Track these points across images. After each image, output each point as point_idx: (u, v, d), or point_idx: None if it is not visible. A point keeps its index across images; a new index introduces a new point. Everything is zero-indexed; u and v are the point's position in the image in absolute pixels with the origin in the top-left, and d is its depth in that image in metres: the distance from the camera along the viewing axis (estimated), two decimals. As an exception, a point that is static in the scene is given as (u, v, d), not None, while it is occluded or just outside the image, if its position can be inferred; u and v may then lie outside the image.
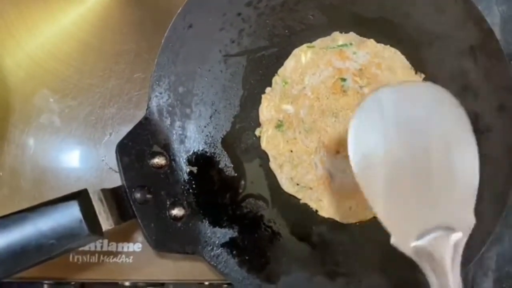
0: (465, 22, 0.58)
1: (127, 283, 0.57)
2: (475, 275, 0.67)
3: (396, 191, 0.41)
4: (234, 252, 0.52)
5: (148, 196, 0.49)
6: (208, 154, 0.53)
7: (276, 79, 0.55)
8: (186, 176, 0.52)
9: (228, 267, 0.51)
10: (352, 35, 0.57)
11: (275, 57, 0.55)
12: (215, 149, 0.53)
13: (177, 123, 0.52)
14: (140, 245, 0.56)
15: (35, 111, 0.57)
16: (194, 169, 0.52)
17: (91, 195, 0.45)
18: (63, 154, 0.57)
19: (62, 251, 0.41)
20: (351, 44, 0.56)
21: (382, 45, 0.57)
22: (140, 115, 0.53)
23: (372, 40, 0.57)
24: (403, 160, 0.41)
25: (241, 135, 0.54)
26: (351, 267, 0.55)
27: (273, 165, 0.54)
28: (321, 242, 0.54)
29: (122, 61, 0.59)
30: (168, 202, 0.50)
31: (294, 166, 0.54)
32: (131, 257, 0.56)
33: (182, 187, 0.51)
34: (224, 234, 0.52)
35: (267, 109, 0.54)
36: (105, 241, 0.56)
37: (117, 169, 0.49)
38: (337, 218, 0.55)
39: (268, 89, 0.55)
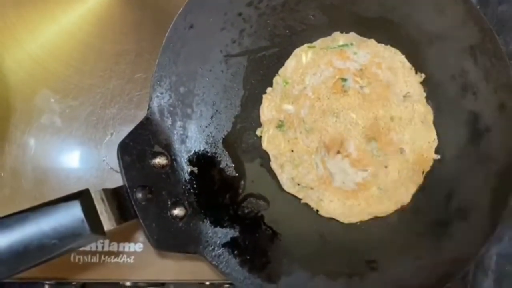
0: (465, 22, 0.58)
1: (128, 283, 0.57)
2: (475, 275, 0.67)
3: None
4: (235, 252, 0.52)
5: (150, 196, 0.49)
6: (209, 154, 0.53)
7: (277, 79, 0.55)
8: (187, 176, 0.52)
9: (229, 267, 0.51)
10: (352, 35, 0.57)
11: (276, 57, 0.55)
12: (216, 149, 0.53)
13: (178, 123, 0.52)
14: (141, 245, 0.56)
15: (36, 111, 0.57)
16: (195, 169, 0.52)
17: (92, 195, 0.45)
18: (64, 155, 0.57)
19: (64, 251, 0.42)
20: (351, 44, 0.56)
21: (383, 45, 0.57)
22: (141, 115, 0.53)
23: (372, 40, 0.57)
24: None
25: (242, 135, 0.54)
26: (352, 266, 0.55)
27: (274, 165, 0.54)
28: (322, 241, 0.54)
29: (123, 61, 0.59)
30: (169, 202, 0.50)
31: (295, 166, 0.54)
32: (132, 257, 0.56)
33: (183, 187, 0.51)
34: (225, 234, 0.52)
35: (268, 109, 0.54)
36: (106, 241, 0.56)
37: (118, 169, 0.49)
38: (338, 218, 0.55)
39: (269, 89, 0.55)
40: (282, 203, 0.54)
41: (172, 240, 0.49)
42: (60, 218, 0.41)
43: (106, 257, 0.56)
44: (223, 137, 0.53)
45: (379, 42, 0.57)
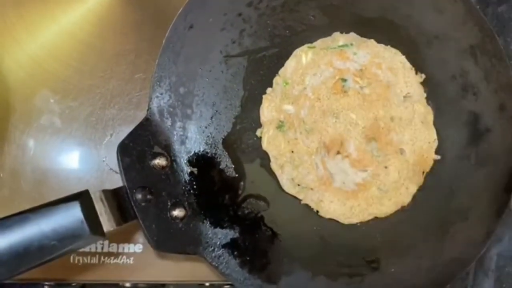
0: (465, 22, 0.58)
1: (128, 284, 0.57)
2: (476, 275, 0.67)
3: None
4: (235, 252, 0.52)
5: (149, 197, 0.49)
6: (209, 155, 0.53)
7: (277, 80, 0.55)
8: (187, 177, 0.52)
9: (229, 268, 0.51)
10: (352, 36, 0.57)
11: (276, 57, 0.55)
12: (216, 150, 0.53)
13: (178, 124, 0.52)
14: (141, 246, 0.56)
15: (35, 112, 0.57)
16: (195, 169, 0.52)
17: (92, 196, 0.44)
18: (64, 155, 0.57)
19: (64, 252, 0.41)
20: (351, 44, 0.56)
21: (383, 45, 0.57)
22: (141, 116, 0.53)
23: (372, 40, 0.57)
24: None
25: (242, 136, 0.54)
26: (352, 267, 0.55)
27: (274, 165, 0.54)
28: (322, 242, 0.54)
29: (122, 62, 0.59)
30: (169, 203, 0.50)
31: (295, 167, 0.54)
32: (132, 258, 0.56)
33: (183, 187, 0.51)
34: (225, 234, 0.52)
35: (268, 110, 0.54)
36: (106, 242, 0.56)
37: (117, 170, 0.49)
38: (338, 219, 0.55)
39: (269, 90, 0.55)
40: (282, 204, 0.54)
41: (172, 241, 0.49)
42: (60, 219, 0.41)
43: (106, 258, 0.56)
44: (223, 137, 0.53)
45: (379, 42, 0.57)
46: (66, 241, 0.41)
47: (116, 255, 0.56)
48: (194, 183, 0.52)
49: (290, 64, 0.55)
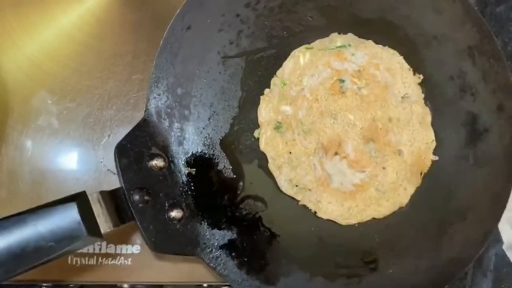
0: (463, 23, 0.58)
1: (125, 285, 0.57)
2: (474, 275, 0.67)
3: None
4: (233, 253, 0.52)
5: (147, 198, 0.49)
6: (206, 156, 0.53)
7: (274, 81, 0.55)
8: (184, 178, 0.52)
9: (227, 269, 0.51)
10: (350, 36, 0.57)
11: (273, 58, 0.55)
12: (213, 151, 0.53)
13: (176, 125, 0.52)
14: (138, 247, 0.56)
15: (33, 113, 0.57)
16: (193, 170, 0.52)
17: (89, 197, 0.44)
18: (62, 156, 0.57)
19: (61, 253, 0.41)
20: (349, 45, 0.56)
21: (381, 46, 0.57)
22: (138, 116, 0.53)
23: (370, 41, 0.57)
24: None
25: (240, 137, 0.54)
26: (350, 267, 0.55)
27: (272, 166, 0.54)
28: (320, 243, 0.54)
29: (120, 63, 0.59)
30: (166, 204, 0.50)
31: (293, 168, 0.54)
32: (130, 259, 0.56)
33: (181, 188, 0.51)
34: (223, 236, 0.52)
35: (265, 111, 0.54)
36: (104, 243, 0.56)
37: (115, 171, 0.49)
38: (336, 220, 0.55)
39: (266, 91, 0.55)
40: (280, 204, 0.54)
41: (169, 242, 0.49)
42: (57, 220, 0.41)
43: (104, 259, 0.56)
44: (221, 138, 0.53)
45: (377, 43, 0.57)
46: (63, 242, 0.41)
47: (114, 256, 0.56)
48: (192, 184, 0.52)
49: (288, 65, 0.55)
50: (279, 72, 0.55)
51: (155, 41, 0.52)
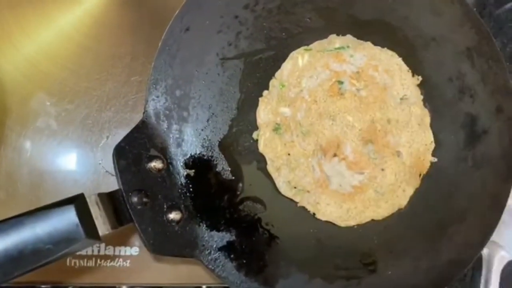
0: (462, 25, 0.58)
1: (124, 287, 0.57)
2: (473, 276, 0.67)
3: None
4: (232, 255, 0.52)
5: (145, 200, 0.49)
6: (205, 158, 0.53)
7: (273, 82, 0.55)
8: (183, 180, 0.52)
9: (226, 271, 0.51)
10: (349, 38, 0.57)
11: (272, 60, 0.55)
12: (212, 153, 0.53)
13: (174, 127, 0.52)
14: (137, 249, 0.56)
15: (31, 114, 0.57)
16: (192, 172, 0.52)
17: (87, 199, 0.44)
18: (60, 158, 0.57)
19: (59, 255, 0.41)
20: (348, 46, 0.56)
21: (379, 47, 0.57)
22: (137, 118, 0.53)
23: (369, 42, 0.57)
24: None
25: (239, 138, 0.54)
26: (349, 269, 0.54)
27: (270, 168, 0.54)
28: (319, 245, 0.54)
29: (119, 64, 0.59)
30: (165, 206, 0.50)
31: (292, 169, 0.54)
32: (129, 261, 0.56)
33: (180, 190, 0.51)
34: (221, 237, 0.52)
35: (264, 112, 0.54)
36: (102, 245, 0.56)
37: (114, 173, 0.49)
38: (335, 221, 0.55)
39: (265, 92, 0.55)
40: (279, 206, 0.54)
41: (168, 244, 0.49)
42: (55, 223, 0.41)
43: (102, 261, 0.56)
44: (219, 140, 0.53)
45: (375, 44, 0.57)
46: (61, 245, 0.41)
47: (113, 258, 0.56)
48: (191, 186, 0.52)
49: (286, 66, 0.55)
50: (277, 74, 0.55)
51: (154, 43, 0.52)
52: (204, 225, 0.51)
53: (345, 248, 0.55)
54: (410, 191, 0.56)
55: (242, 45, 0.54)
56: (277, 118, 0.54)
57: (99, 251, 0.56)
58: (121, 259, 0.56)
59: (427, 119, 0.57)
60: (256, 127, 0.54)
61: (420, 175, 0.57)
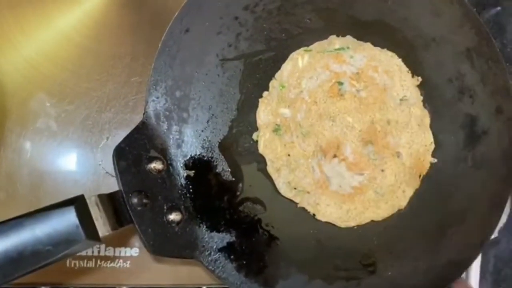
0: (462, 25, 0.58)
1: (124, 288, 0.57)
2: (473, 277, 0.67)
3: None
4: (232, 256, 0.52)
5: (145, 201, 0.49)
6: (205, 159, 0.53)
7: (273, 83, 0.55)
8: (183, 181, 0.52)
9: (226, 272, 0.51)
10: (349, 39, 0.57)
11: (272, 61, 0.55)
12: (212, 154, 0.53)
13: (174, 128, 0.52)
14: (137, 249, 0.56)
15: (31, 115, 0.57)
16: (192, 173, 0.52)
17: (87, 200, 0.44)
18: (60, 159, 0.57)
19: (59, 257, 0.41)
20: (348, 47, 0.56)
21: (379, 48, 0.57)
22: (137, 119, 0.53)
23: (369, 43, 0.57)
24: None
25: (239, 139, 0.54)
26: (349, 270, 0.55)
27: (270, 169, 0.54)
28: (319, 245, 0.54)
29: (119, 65, 0.59)
30: (165, 207, 0.50)
31: (292, 170, 0.54)
32: (129, 262, 0.56)
33: (180, 191, 0.51)
34: (221, 238, 0.52)
35: (264, 113, 0.54)
36: (102, 246, 0.56)
37: (114, 173, 0.49)
38: (335, 222, 0.55)
39: (265, 93, 0.55)
40: (279, 207, 0.54)
41: (168, 245, 0.49)
42: (55, 224, 0.41)
43: (102, 262, 0.56)
44: (219, 141, 0.53)
45: (375, 45, 0.57)
46: (61, 246, 0.41)
47: (113, 259, 0.56)
48: (191, 187, 0.52)
49: (286, 67, 0.55)
50: (277, 75, 0.55)
51: (154, 43, 0.52)
52: (204, 226, 0.51)
53: (345, 249, 0.55)
54: (410, 192, 0.56)
55: (242, 46, 0.54)
56: (277, 119, 0.54)
57: (99, 252, 0.56)
58: (121, 260, 0.56)
59: (427, 120, 0.57)
60: (256, 128, 0.54)
61: (420, 176, 0.57)
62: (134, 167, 0.49)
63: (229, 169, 0.53)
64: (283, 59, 0.55)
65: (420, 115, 0.57)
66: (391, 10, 0.58)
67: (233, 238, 0.52)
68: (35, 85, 0.58)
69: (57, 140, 0.57)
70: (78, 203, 0.43)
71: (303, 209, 0.54)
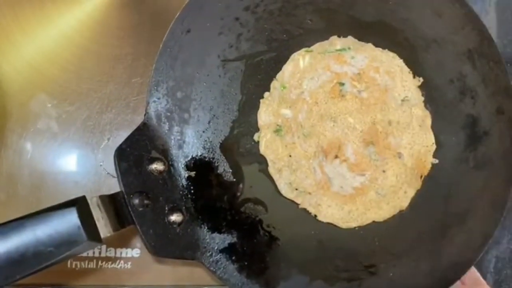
0: (463, 26, 0.58)
1: (125, 289, 0.57)
2: (474, 278, 0.67)
3: None
4: (233, 257, 0.51)
5: (147, 202, 0.48)
6: (206, 159, 0.53)
7: (274, 84, 0.55)
8: (184, 182, 0.52)
9: (227, 273, 0.51)
10: (350, 39, 0.57)
11: (273, 61, 0.55)
12: (213, 154, 0.53)
13: (176, 129, 0.52)
14: (138, 250, 0.56)
15: (32, 116, 0.57)
16: (193, 174, 0.52)
17: (89, 201, 0.44)
18: (61, 160, 0.57)
19: (61, 258, 0.41)
20: (349, 48, 0.56)
21: (380, 49, 0.57)
22: (138, 120, 0.52)
23: (370, 44, 0.57)
24: None
25: (240, 140, 0.54)
26: (350, 271, 0.54)
27: (271, 169, 0.54)
28: (320, 246, 0.54)
29: (120, 66, 0.59)
30: (166, 208, 0.50)
31: (293, 171, 0.54)
32: (130, 262, 0.56)
33: (181, 192, 0.51)
34: (223, 239, 0.52)
35: (265, 114, 0.54)
36: (104, 247, 0.56)
37: (115, 175, 0.48)
38: (336, 223, 0.55)
39: (266, 94, 0.55)
40: (280, 208, 0.54)
41: (169, 246, 0.49)
42: (57, 225, 0.41)
43: (104, 262, 0.56)
44: (221, 142, 0.53)
45: (376, 46, 0.57)
46: (62, 247, 0.41)
47: (114, 259, 0.56)
48: (192, 187, 0.52)
49: (287, 68, 0.55)
50: (278, 75, 0.55)
51: (155, 44, 0.52)
52: (206, 227, 0.51)
53: (346, 250, 0.55)
54: (411, 193, 0.56)
55: (243, 47, 0.54)
56: (278, 119, 0.54)
57: (100, 253, 0.56)
58: (122, 261, 0.56)
59: (428, 121, 0.57)
60: (257, 129, 0.54)
61: (421, 176, 0.57)
62: (135, 168, 0.49)
63: (230, 170, 0.53)
64: (284, 59, 0.55)
65: (421, 116, 0.57)
66: (392, 10, 0.58)
67: (235, 239, 0.52)
68: (36, 86, 0.58)
69: (58, 141, 0.57)
70: (80, 204, 0.43)
71: (305, 210, 0.54)
